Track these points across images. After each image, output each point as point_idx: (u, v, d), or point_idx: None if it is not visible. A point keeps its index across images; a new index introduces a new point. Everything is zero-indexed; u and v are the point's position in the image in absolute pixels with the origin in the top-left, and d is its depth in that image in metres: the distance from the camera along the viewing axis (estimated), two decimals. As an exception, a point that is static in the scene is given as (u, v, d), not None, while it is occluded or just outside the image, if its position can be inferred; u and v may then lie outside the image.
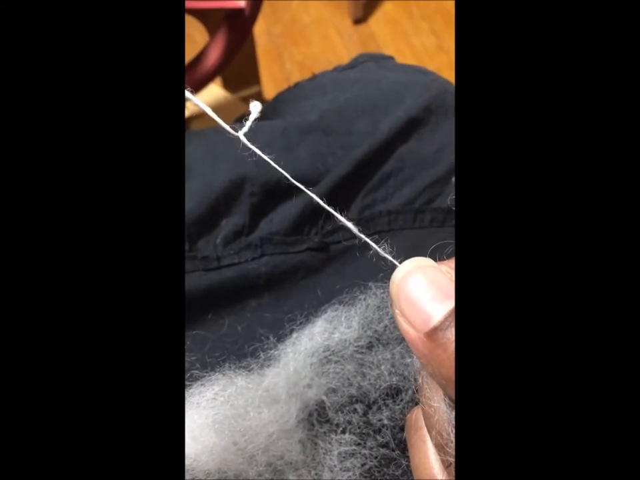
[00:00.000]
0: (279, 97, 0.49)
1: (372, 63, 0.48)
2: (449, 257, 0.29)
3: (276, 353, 0.31)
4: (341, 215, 0.38)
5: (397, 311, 0.23)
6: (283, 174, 0.31)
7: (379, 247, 0.29)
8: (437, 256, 0.37)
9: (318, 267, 0.36)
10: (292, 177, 0.36)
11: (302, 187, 0.31)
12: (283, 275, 0.36)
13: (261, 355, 0.30)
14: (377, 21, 1.44)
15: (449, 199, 0.38)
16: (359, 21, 1.45)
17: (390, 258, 0.28)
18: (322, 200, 0.31)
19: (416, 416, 0.26)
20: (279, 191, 0.36)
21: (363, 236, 0.28)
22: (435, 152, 0.38)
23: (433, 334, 0.21)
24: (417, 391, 0.25)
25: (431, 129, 0.39)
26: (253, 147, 0.30)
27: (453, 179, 0.38)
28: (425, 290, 0.22)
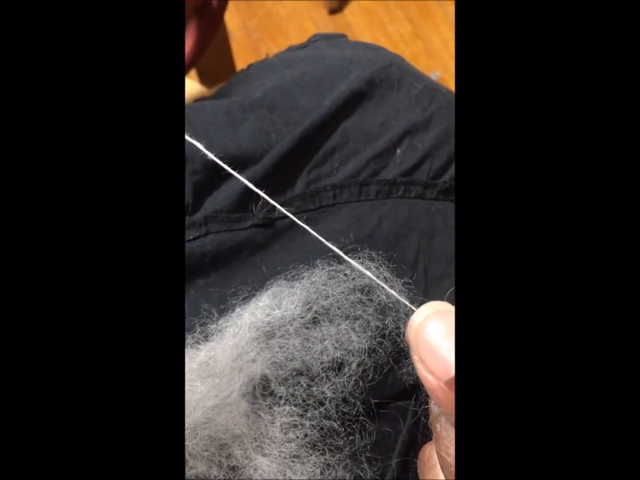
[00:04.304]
0: (232, 79, 0.49)
1: (323, 41, 0.48)
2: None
3: (214, 327, 0.30)
4: (287, 192, 0.38)
5: (415, 357, 0.23)
6: (216, 159, 0.31)
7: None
8: (383, 226, 0.37)
9: (264, 243, 0.36)
10: (235, 155, 0.36)
11: (232, 171, 0.31)
12: (228, 252, 0.35)
13: (197, 329, 0.30)
14: (352, 10, 1.44)
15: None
16: (335, 11, 1.44)
17: (406, 302, 0.28)
18: (262, 189, 0.31)
19: (429, 454, 0.26)
20: (221, 169, 0.36)
21: (351, 259, 0.29)
22: (379, 125, 0.38)
23: (454, 383, 0.21)
24: (432, 436, 0.25)
25: (375, 102, 0.39)
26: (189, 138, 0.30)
27: (398, 151, 0.38)
28: (444, 337, 0.22)
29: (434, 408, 0.24)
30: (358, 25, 1.42)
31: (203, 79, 1.05)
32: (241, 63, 1.17)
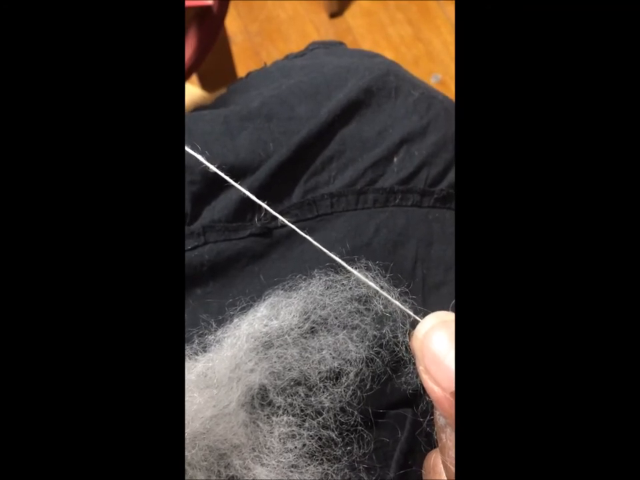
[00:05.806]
0: (231, 88, 0.49)
1: (321, 49, 0.48)
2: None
3: (212, 338, 0.31)
4: (284, 201, 0.38)
5: (421, 368, 0.23)
6: (215, 168, 0.31)
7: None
8: (380, 234, 0.37)
9: (262, 252, 0.36)
10: (233, 164, 0.37)
11: (234, 183, 0.31)
12: (226, 262, 0.35)
13: (196, 340, 0.30)
14: (353, 14, 1.44)
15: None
16: (335, 15, 1.44)
17: (409, 312, 0.28)
18: (259, 198, 0.31)
19: (434, 461, 0.26)
20: (219, 179, 0.36)
21: (350, 267, 0.29)
22: (376, 133, 0.38)
23: None
24: (436, 442, 0.25)
25: (372, 111, 0.39)
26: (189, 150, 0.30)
27: (395, 159, 0.38)
28: (450, 347, 0.22)
29: (439, 419, 0.24)
30: (358, 28, 1.42)
31: (204, 84, 1.05)
32: (241, 67, 1.18)
